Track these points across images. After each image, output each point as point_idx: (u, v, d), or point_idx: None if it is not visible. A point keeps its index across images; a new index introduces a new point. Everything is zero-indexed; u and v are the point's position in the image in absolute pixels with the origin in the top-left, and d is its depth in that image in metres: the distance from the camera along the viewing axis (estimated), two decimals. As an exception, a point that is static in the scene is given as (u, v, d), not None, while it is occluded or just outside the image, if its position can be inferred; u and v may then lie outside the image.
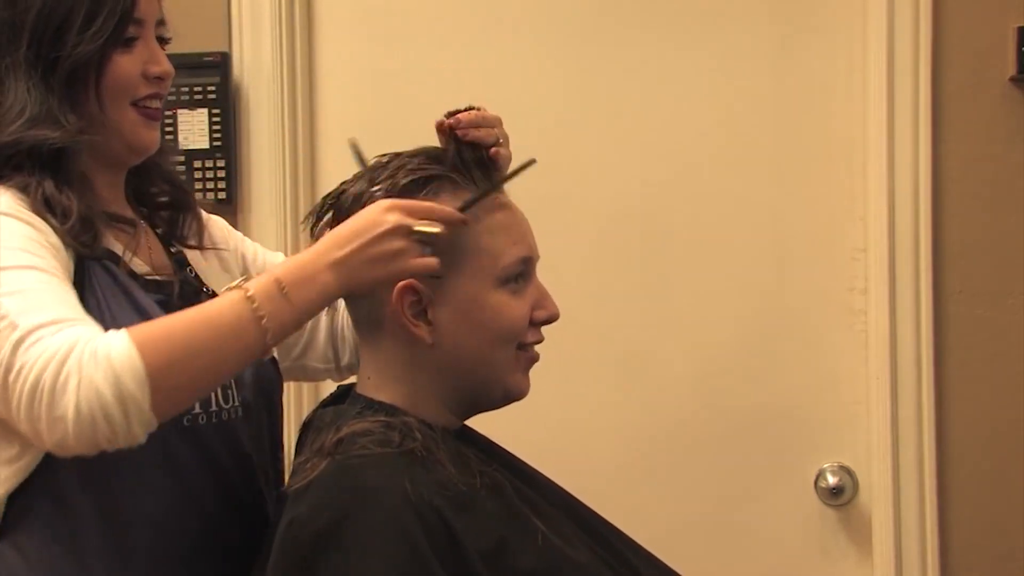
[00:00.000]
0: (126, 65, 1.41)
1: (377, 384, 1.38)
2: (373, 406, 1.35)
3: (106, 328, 1.23)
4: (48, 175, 1.37)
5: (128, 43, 1.41)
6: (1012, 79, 2.17)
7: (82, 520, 1.34)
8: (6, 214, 1.32)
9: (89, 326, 1.22)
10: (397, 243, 1.29)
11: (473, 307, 1.34)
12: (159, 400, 1.19)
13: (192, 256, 1.55)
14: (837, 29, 2.26)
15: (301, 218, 2.00)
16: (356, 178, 1.39)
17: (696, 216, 2.31)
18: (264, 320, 1.24)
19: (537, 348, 1.44)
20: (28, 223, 1.32)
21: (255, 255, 1.67)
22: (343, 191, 1.39)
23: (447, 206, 1.33)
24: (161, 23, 1.47)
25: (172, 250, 1.52)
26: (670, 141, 2.31)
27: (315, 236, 1.40)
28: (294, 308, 1.26)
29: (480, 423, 1.46)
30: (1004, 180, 2.20)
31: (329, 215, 1.39)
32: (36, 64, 1.38)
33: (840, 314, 2.28)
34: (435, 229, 1.30)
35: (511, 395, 1.39)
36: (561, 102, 2.34)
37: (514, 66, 2.34)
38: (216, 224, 1.64)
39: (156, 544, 1.37)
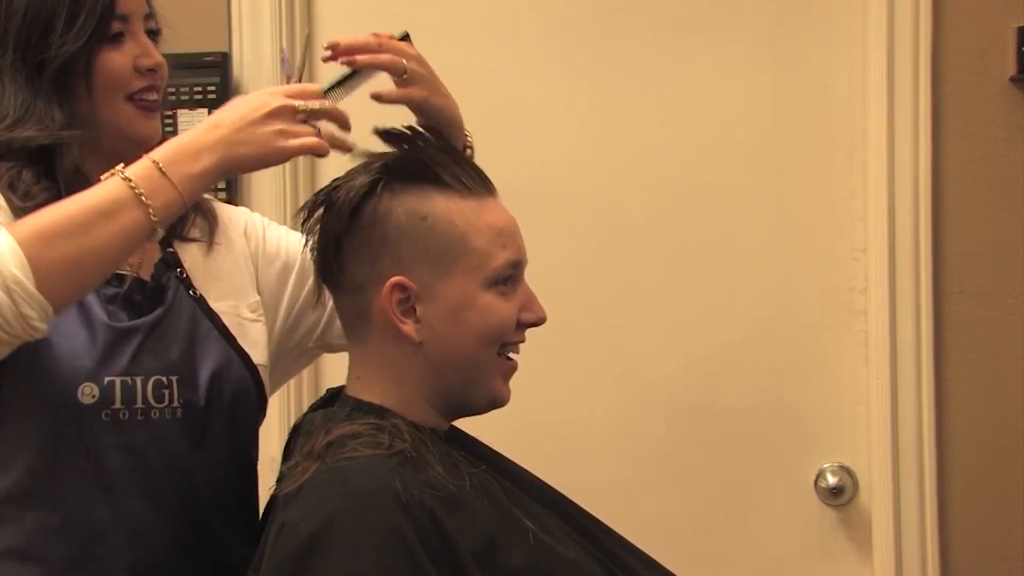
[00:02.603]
0: (115, 60, 1.44)
1: (366, 384, 1.38)
2: (362, 408, 1.36)
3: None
4: (30, 166, 1.41)
5: (115, 39, 1.44)
6: (1012, 79, 2.17)
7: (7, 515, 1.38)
8: None
9: None
10: (279, 124, 1.31)
11: (461, 307, 1.35)
12: (44, 280, 1.22)
13: (192, 255, 1.54)
14: (837, 29, 2.25)
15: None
16: (350, 174, 1.40)
17: (696, 216, 2.31)
18: (144, 197, 1.27)
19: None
20: None
21: (278, 242, 1.64)
22: (336, 186, 1.39)
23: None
24: (149, 17, 1.49)
25: (169, 249, 1.52)
26: (670, 141, 2.31)
27: (306, 232, 1.42)
28: (173, 185, 1.29)
29: (475, 425, 1.46)
30: (1004, 180, 2.20)
31: (321, 210, 1.40)
32: (22, 68, 1.42)
33: (840, 314, 2.28)
34: (316, 105, 1.34)
35: (493, 399, 1.40)
36: (561, 102, 2.34)
37: (515, 66, 2.34)
38: (235, 218, 1.63)
39: (74, 540, 1.37)
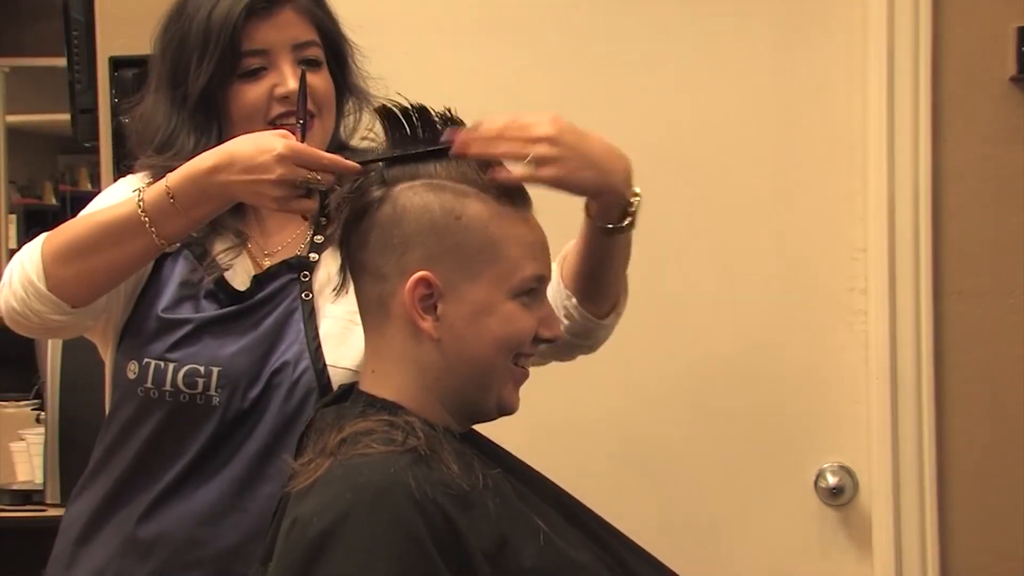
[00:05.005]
0: (249, 93, 1.59)
1: (380, 379, 1.38)
2: (376, 404, 1.35)
3: (155, 302, 1.59)
4: None
5: (253, 73, 1.59)
6: (1012, 79, 2.18)
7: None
8: (116, 186, 1.66)
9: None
10: (280, 191, 1.42)
11: (484, 311, 1.35)
12: (56, 286, 1.50)
13: (331, 262, 1.60)
14: (837, 29, 2.26)
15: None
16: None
17: (696, 215, 2.31)
18: (150, 224, 1.46)
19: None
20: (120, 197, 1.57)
21: None
22: (374, 171, 1.39)
23: None
24: (305, 46, 1.61)
25: (311, 256, 1.63)
26: (670, 140, 2.31)
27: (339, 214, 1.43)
28: (182, 213, 1.46)
29: (480, 426, 1.46)
30: (1004, 180, 2.20)
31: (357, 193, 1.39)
32: (172, 100, 1.62)
33: (840, 314, 2.28)
34: (319, 179, 1.41)
35: (504, 405, 1.40)
36: (560, 100, 2.32)
37: (514, 65, 2.34)
38: None
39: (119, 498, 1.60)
